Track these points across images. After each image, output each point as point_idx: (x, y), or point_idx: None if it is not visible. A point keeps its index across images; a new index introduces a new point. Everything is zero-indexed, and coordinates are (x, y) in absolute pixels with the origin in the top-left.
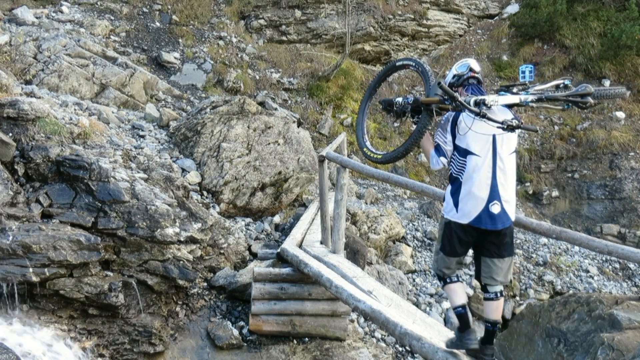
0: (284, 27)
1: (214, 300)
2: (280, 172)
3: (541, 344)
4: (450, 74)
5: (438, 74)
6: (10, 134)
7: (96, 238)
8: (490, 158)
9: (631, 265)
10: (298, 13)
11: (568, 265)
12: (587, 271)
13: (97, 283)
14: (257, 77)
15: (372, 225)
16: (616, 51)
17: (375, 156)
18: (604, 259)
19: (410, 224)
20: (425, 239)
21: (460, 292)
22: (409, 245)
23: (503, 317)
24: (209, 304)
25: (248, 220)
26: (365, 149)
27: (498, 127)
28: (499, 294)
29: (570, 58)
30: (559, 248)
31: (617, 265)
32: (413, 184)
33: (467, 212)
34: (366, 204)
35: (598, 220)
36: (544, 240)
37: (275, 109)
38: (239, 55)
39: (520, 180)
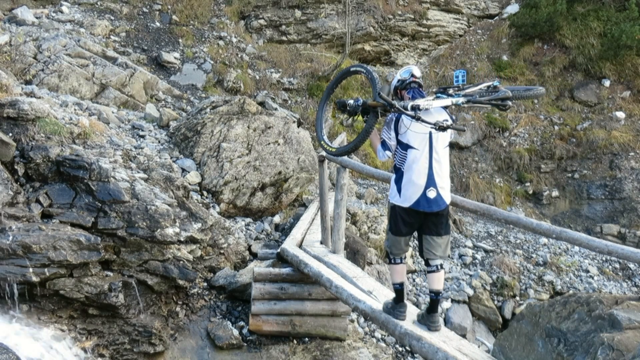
0: (284, 27)
1: (214, 300)
2: (280, 172)
3: (541, 344)
4: (396, 78)
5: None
6: (10, 134)
7: (96, 238)
8: (427, 151)
9: (631, 265)
10: (298, 13)
11: (568, 265)
12: (587, 271)
13: (97, 283)
14: (257, 77)
15: (372, 225)
16: (616, 51)
17: (329, 149)
18: (604, 259)
19: None
20: None
21: (400, 272)
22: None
23: (503, 317)
24: (209, 304)
25: (248, 220)
26: (322, 142)
27: (431, 128)
28: (439, 267)
29: (570, 58)
30: (559, 248)
31: (617, 265)
32: None
33: (408, 197)
34: (366, 204)
35: (598, 220)
36: (544, 240)
37: (275, 109)
38: (239, 55)
39: (520, 180)
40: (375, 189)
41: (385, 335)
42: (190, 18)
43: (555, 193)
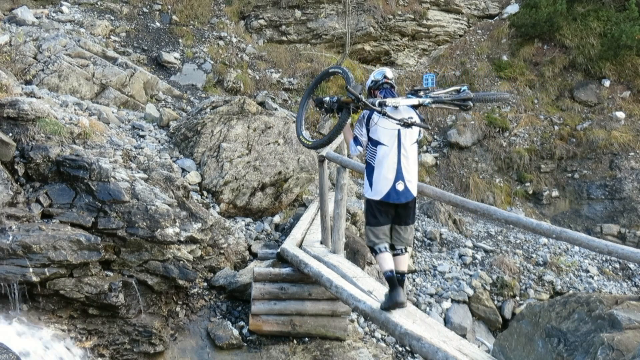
0: (284, 27)
1: (214, 300)
2: (280, 172)
3: (541, 344)
4: (370, 79)
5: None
6: (10, 134)
7: (96, 238)
8: (396, 147)
9: (631, 265)
10: (298, 13)
11: (568, 265)
12: (587, 271)
13: (97, 283)
14: (257, 77)
15: None
16: (616, 51)
17: (307, 142)
18: (604, 259)
19: None
20: (425, 239)
21: (388, 260)
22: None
23: (503, 317)
24: (209, 304)
25: (248, 220)
26: (300, 137)
27: (397, 124)
28: (403, 250)
29: (570, 58)
30: (559, 248)
31: (617, 265)
32: None
33: (379, 191)
34: None
35: (598, 220)
36: (544, 240)
37: (275, 109)
38: (239, 55)
39: (520, 180)
40: None
41: (385, 335)
42: (190, 18)
43: (555, 193)
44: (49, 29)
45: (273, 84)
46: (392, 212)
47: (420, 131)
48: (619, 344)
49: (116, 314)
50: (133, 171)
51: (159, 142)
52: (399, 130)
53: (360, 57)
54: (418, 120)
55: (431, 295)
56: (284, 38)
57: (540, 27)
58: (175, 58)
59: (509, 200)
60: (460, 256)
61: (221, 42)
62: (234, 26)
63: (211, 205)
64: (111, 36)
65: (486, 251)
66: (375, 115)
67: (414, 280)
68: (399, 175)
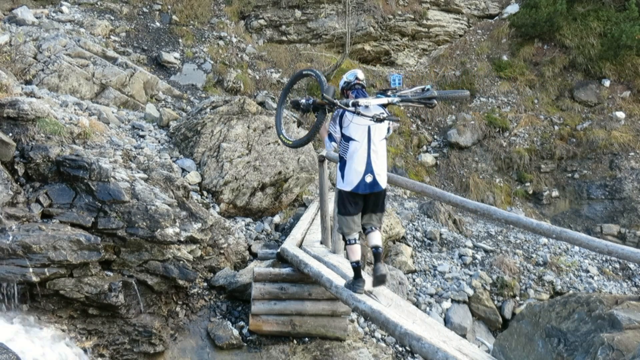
0: (284, 27)
1: (214, 300)
2: (280, 172)
3: (541, 344)
4: (343, 80)
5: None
6: (10, 134)
7: (96, 238)
8: (366, 143)
9: (631, 265)
10: (298, 13)
11: (568, 265)
12: (587, 271)
13: (97, 283)
14: (257, 77)
15: None
16: (616, 51)
17: (287, 141)
18: (604, 259)
19: (410, 224)
20: (425, 239)
21: (357, 252)
22: (409, 245)
23: (503, 317)
24: (209, 304)
25: (248, 220)
26: (281, 136)
27: (370, 120)
28: (374, 228)
29: (570, 58)
30: (559, 248)
31: (617, 265)
32: (413, 184)
33: (350, 182)
34: None
35: (598, 220)
36: (544, 240)
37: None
38: (239, 55)
39: (520, 180)
40: None
41: (385, 335)
42: (190, 18)
43: (555, 193)
44: (49, 29)
45: (273, 84)
46: (362, 202)
47: (388, 129)
48: (619, 344)
49: (116, 314)
50: (133, 171)
51: (159, 142)
52: (369, 128)
53: (360, 57)
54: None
55: (431, 295)
56: (284, 38)
57: (540, 27)
58: (175, 58)
59: (509, 200)
60: (460, 256)
61: (221, 42)
62: (234, 26)
63: (211, 205)
64: (111, 36)
65: (486, 251)
66: (348, 114)
67: (414, 280)
68: (369, 168)
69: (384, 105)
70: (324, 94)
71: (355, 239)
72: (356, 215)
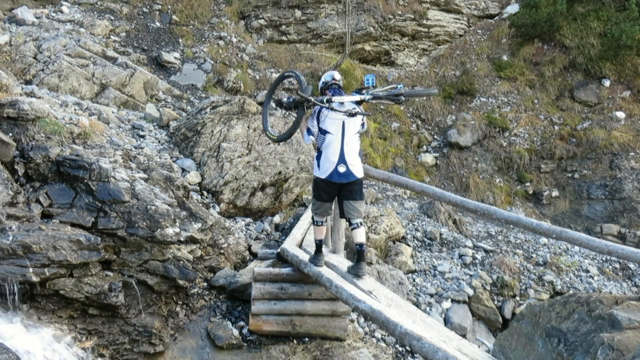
0: (284, 27)
1: (214, 300)
2: (280, 172)
3: (541, 344)
4: (322, 80)
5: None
6: (10, 134)
7: (96, 238)
8: (340, 136)
9: (631, 265)
10: (298, 13)
11: (568, 265)
12: (587, 271)
13: (97, 283)
14: (257, 77)
15: (372, 225)
16: (616, 51)
17: (272, 137)
18: (604, 259)
19: (410, 224)
20: (426, 239)
21: (321, 231)
22: (409, 245)
23: (503, 317)
24: (209, 304)
25: (248, 220)
26: (266, 132)
27: (343, 115)
28: (359, 224)
29: (570, 58)
30: (559, 248)
31: (617, 265)
32: (413, 184)
33: (324, 171)
34: (366, 204)
35: (598, 220)
36: (544, 240)
37: (276, 109)
38: (239, 55)
39: (520, 180)
40: (375, 189)
41: (385, 335)
42: (190, 18)
43: (555, 193)
44: (49, 29)
45: None
46: (335, 191)
47: (362, 125)
48: (619, 344)
49: (116, 314)
50: (133, 171)
51: (159, 142)
52: (343, 122)
53: (361, 57)
54: (358, 110)
55: (431, 295)
56: (284, 38)
57: (540, 27)
58: (175, 58)
59: (509, 200)
60: (460, 256)
61: (221, 42)
62: (234, 26)
63: (211, 205)
64: (111, 36)
65: (486, 251)
66: (324, 110)
67: (414, 280)
68: (341, 159)
69: (357, 102)
70: (300, 92)
71: (322, 222)
72: (328, 203)
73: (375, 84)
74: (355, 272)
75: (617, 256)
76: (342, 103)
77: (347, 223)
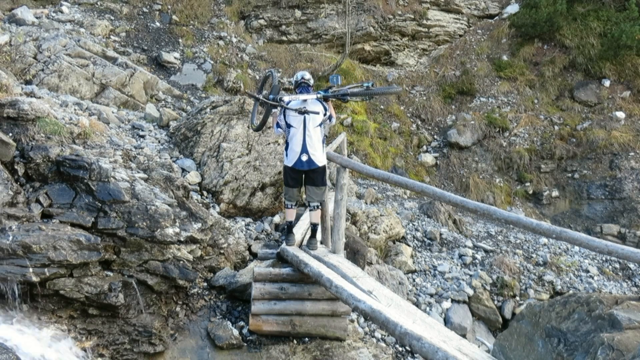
0: (284, 27)
1: (214, 300)
2: (280, 172)
3: (541, 344)
4: (293, 79)
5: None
6: (10, 134)
7: (96, 238)
8: (302, 129)
9: (631, 265)
10: (298, 13)
11: (568, 265)
12: (587, 271)
13: (97, 283)
14: (257, 77)
15: (372, 225)
16: (616, 51)
17: (252, 127)
18: (604, 259)
19: (410, 224)
20: (425, 239)
21: (292, 214)
22: (409, 245)
23: (503, 317)
24: (209, 304)
25: (248, 220)
26: (252, 124)
27: (298, 112)
28: (316, 207)
29: (570, 58)
30: (559, 248)
31: (617, 265)
32: (413, 184)
33: (290, 160)
34: (366, 204)
35: (598, 220)
36: (544, 240)
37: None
38: (239, 55)
39: (520, 180)
40: (375, 189)
41: (385, 335)
42: (190, 18)
43: (555, 193)
44: (49, 29)
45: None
46: (301, 177)
47: (330, 118)
48: (619, 344)
49: (116, 314)
50: (133, 171)
51: (159, 142)
52: (304, 117)
53: (361, 57)
54: (321, 110)
55: (431, 295)
56: (284, 38)
57: (540, 27)
58: (175, 58)
59: (509, 200)
60: (460, 256)
61: (221, 42)
62: (234, 26)
63: (211, 205)
64: (111, 36)
65: (486, 251)
66: (288, 107)
67: (414, 280)
68: (304, 149)
69: (323, 101)
70: (249, 92)
71: (292, 205)
72: (294, 188)
73: (340, 83)
74: (308, 246)
75: (617, 256)
76: (296, 101)
77: (306, 204)
